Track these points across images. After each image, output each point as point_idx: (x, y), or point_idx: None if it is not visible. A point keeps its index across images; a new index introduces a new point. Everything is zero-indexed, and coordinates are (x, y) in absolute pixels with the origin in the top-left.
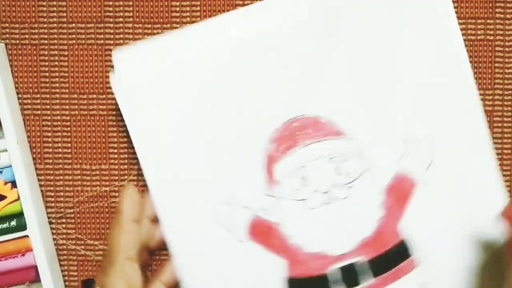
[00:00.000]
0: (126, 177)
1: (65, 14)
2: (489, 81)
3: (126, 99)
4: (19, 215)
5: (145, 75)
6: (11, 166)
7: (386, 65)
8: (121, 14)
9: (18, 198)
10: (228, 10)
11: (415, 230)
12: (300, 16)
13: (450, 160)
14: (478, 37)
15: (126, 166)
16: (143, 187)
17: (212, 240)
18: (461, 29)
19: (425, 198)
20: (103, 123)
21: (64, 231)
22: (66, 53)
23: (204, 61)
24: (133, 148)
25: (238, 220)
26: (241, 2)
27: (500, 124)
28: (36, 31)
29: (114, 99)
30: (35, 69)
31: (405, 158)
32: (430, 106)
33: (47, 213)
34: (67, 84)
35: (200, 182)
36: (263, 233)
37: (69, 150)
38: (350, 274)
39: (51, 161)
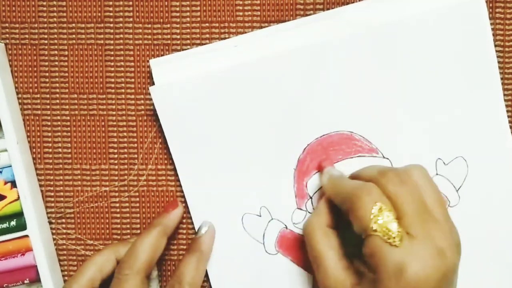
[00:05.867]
0: (126, 177)
1: (65, 14)
2: None
3: (167, 113)
4: (19, 215)
5: (182, 88)
6: (11, 166)
7: (421, 86)
8: (121, 14)
9: (18, 198)
10: (228, 10)
11: None
12: (340, 34)
13: (481, 181)
14: None
15: (126, 166)
16: (143, 187)
17: (242, 251)
18: None
19: (456, 218)
20: (103, 123)
21: (64, 231)
22: (66, 53)
23: (239, 74)
24: (133, 148)
25: (268, 232)
26: (241, 2)
27: None
28: (36, 31)
29: (114, 99)
30: (35, 69)
31: (436, 178)
32: (462, 127)
33: (47, 213)
34: (67, 84)
35: (232, 193)
36: (292, 246)
37: (69, 150)
38: None
39: (51, 161)
